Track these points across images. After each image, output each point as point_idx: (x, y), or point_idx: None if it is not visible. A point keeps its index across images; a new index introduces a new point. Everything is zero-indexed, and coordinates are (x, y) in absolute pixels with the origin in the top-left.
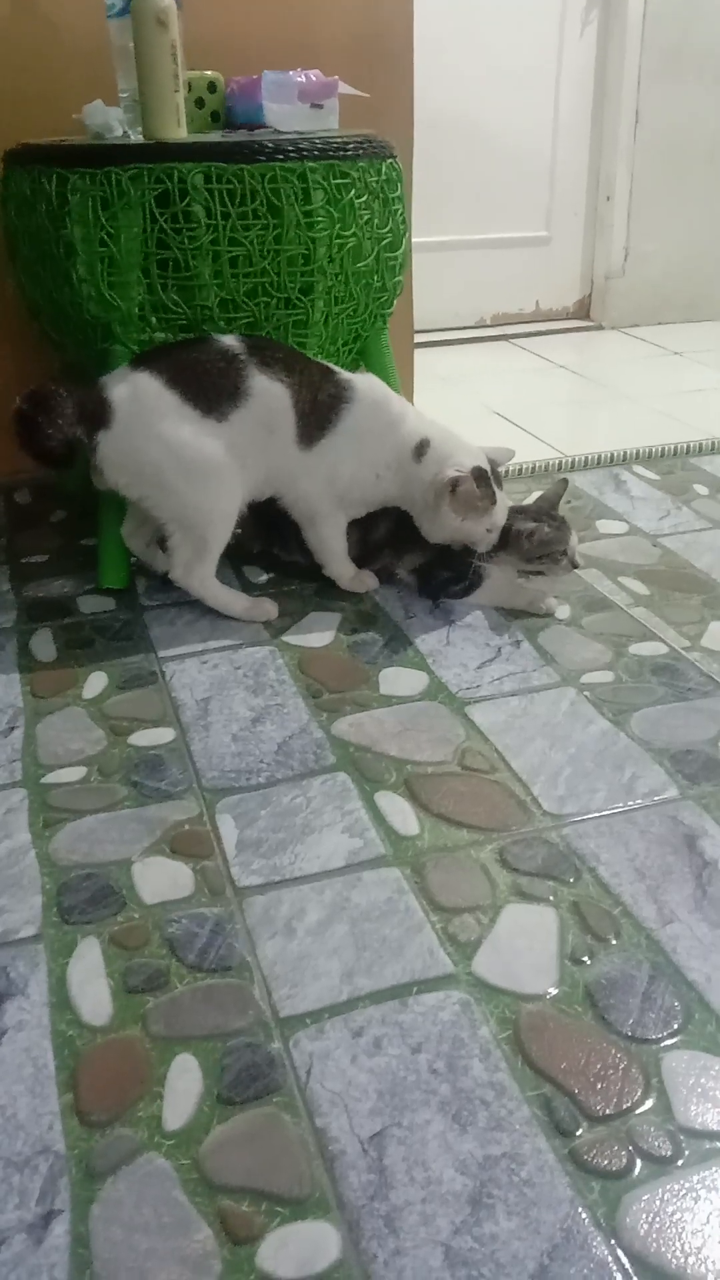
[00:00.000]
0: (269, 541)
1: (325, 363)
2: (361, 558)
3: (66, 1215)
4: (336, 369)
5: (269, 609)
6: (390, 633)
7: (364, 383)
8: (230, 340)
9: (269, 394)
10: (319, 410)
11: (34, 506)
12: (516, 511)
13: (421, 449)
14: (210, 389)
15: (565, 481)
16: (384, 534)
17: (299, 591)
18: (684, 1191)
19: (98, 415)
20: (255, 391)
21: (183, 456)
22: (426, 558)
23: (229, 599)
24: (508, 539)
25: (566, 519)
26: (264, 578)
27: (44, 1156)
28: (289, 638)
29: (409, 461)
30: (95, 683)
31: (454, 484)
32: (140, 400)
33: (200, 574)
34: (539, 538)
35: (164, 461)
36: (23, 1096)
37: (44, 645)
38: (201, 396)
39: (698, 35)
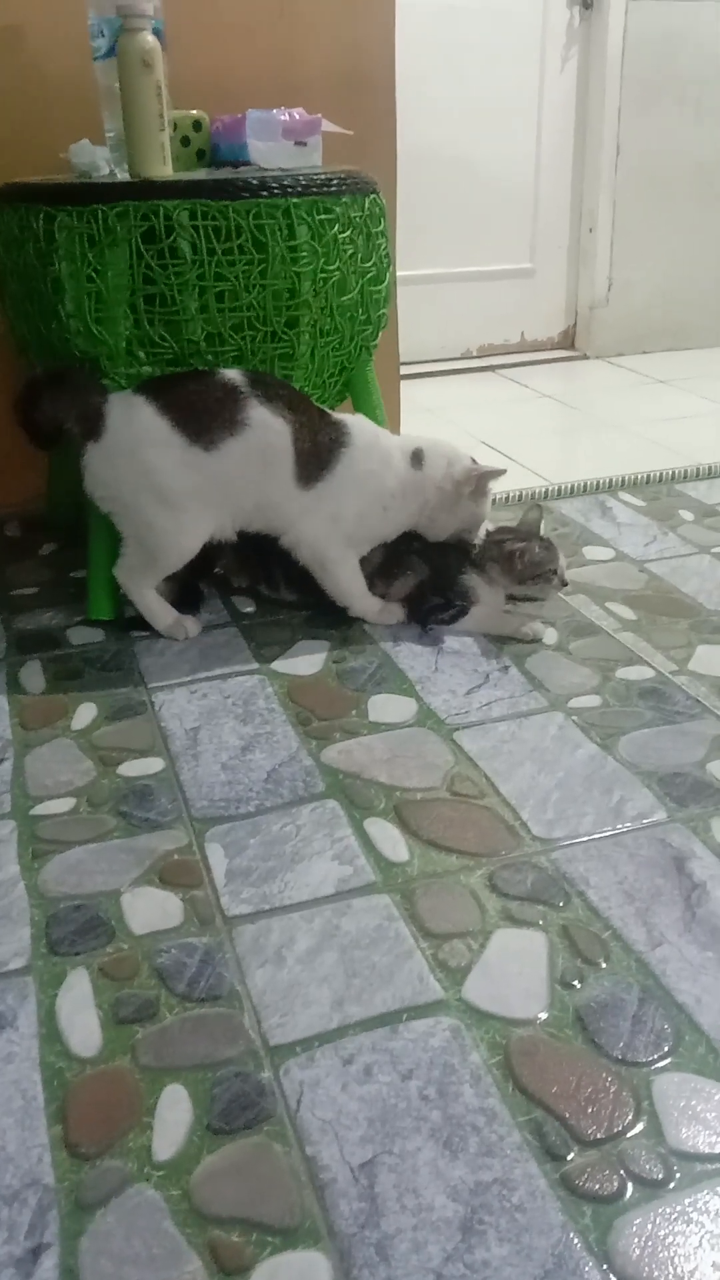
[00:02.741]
0: (255, 579)
1: (318, 404)
2: None
3: (56, 1248)
4: (328, 410)
5: (190, 628)
6: (378, 660)
7: (355, 424)
8: (233, 373)
9: (268, 428)
10: (319, 451)
11: (23, 539)
12: (505, 532)
13: (418, 456)
14: (203, 418)
15: (539, 508)
16: (375, 566)
17: (288, 620)
18: (676, 1215)
19: (92, 425)
20: (253, 423)
21: (158, 483)
22: (418, 582)
23: (158, 610)
24: (500, 558)
25: (553, 541)
26: (251, 608)
27: (33, 1189)
28: (278, 666)
29: (410, 476)
30: (84, 714)
31: (481, 474)
32: (132, 422)
33: (141, 581)
34: (530, 557)
35: (140, 484)
36: (11, 1129)
37: (33, 677)
38: (192, 425)
39: (676, 67)
